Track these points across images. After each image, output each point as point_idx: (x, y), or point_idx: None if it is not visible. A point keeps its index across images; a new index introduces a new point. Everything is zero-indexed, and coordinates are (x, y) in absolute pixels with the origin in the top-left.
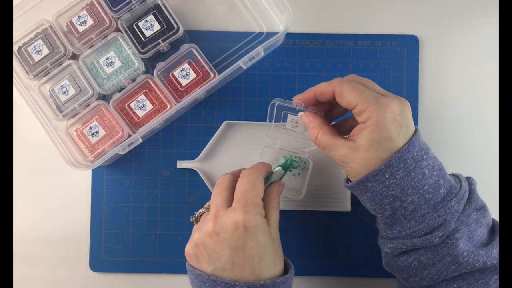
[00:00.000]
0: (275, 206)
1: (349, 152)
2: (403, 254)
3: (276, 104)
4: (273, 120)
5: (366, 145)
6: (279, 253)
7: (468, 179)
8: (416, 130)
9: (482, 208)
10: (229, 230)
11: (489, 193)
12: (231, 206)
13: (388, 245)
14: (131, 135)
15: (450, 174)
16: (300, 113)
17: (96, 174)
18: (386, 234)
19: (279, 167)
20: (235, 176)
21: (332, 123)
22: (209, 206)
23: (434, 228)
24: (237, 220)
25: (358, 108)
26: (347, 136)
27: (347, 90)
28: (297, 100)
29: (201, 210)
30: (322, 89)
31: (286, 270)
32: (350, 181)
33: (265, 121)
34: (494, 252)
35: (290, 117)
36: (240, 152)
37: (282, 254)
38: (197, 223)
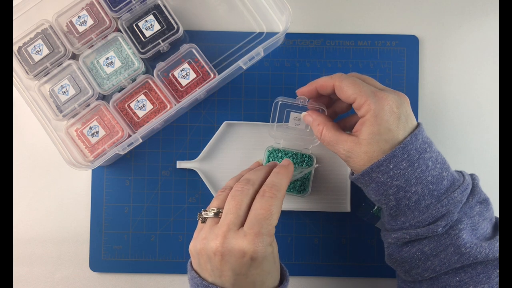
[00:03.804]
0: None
1: (352, 147)
2: (406, 244)
3: (280, 102)
4: (276, 120)
5: (367, 139)
6: (278, 269)
7: (472, 175)
8: (419, 124)
9: (485, 201)
10: (234, 256)
11: (488, 192)
12: (243, 226)
13: (392, 235)
14: (131, 135)
15: (453, 171)
16: (303, 113)
17: (96, 174)
18: (390, 226)
19: (304, 167)
20: (255, 189)
21: (336, 120)
22: (217, 211)
23: (438, 218)
24: (244, 249)
25: (357, 102)
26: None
27: (346, 85)
28: (300, 92)
29: (209, 214)
30: (323, 82)
31: (282, 277)
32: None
33: (265, 121)
34: (496, 245)
35: (292, 115)
36: (240, 152)
37: (279, 267)
38: (203, 223)
